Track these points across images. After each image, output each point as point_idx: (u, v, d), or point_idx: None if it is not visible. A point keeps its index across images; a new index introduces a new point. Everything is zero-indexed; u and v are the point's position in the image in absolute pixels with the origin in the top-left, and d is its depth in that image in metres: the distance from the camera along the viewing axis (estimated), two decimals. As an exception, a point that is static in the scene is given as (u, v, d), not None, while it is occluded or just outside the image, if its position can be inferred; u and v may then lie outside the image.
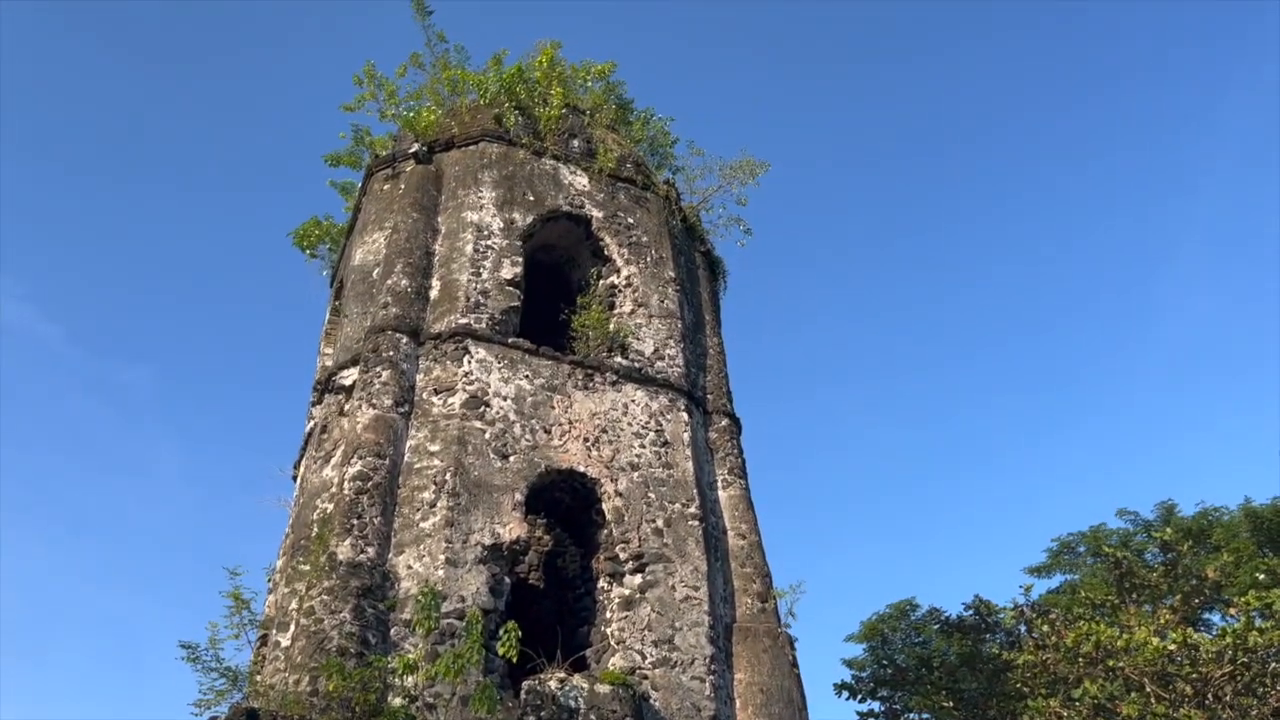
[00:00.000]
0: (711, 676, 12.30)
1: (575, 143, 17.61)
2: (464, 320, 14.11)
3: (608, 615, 12.72)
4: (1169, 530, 20.75)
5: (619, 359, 14.91)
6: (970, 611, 20.92)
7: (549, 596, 14.94)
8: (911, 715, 22.93)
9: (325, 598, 11.00)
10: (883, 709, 22.89)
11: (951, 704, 20.50)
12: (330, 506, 12.30)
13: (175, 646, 11.49)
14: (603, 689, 11.32)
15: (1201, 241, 70.52)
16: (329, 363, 15.73)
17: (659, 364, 15.22)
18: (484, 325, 14.19)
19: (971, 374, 75.90)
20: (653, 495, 13.65)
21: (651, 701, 11.79)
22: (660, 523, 13.42)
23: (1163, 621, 17.97)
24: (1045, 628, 17.60)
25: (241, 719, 9.46)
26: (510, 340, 14.20)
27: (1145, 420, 71.20)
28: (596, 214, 16.74)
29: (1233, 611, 18.04)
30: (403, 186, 16.35)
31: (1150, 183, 72.81)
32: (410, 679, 10.59)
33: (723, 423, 15.59)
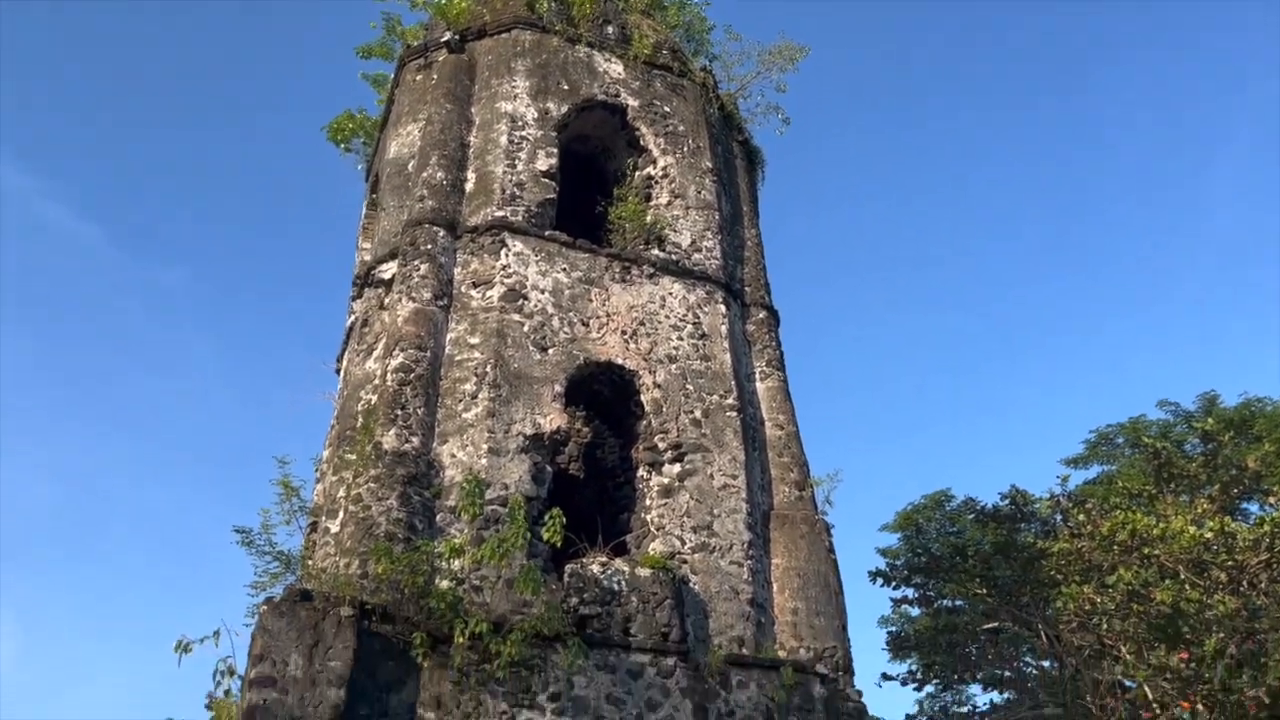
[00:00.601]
0: (749, 561, 12.56)
1: (609, 29, 17.19)
2: (500, 213, 14.06)
3: (647, 503, 12.96)
4: (1210, 421, 20.61)
5: (656, 251, 14.83)
6: (1006, 501, 21.06)
7: (588, 486, 15.24)
8: (945, 601, 23.38)
9: (372, 485, 11.28)
10: (916, 595, 23.33)
11: (985, 591, 20.83)
12: (374, 398, 12.52)
13: (227, 535, 11.89)
14: (644, 572, 11.61)
15: (1252, 131, 68.06)
16: (367, 257, 15.80)
17: (696, 256, 15.13)
18: (520, 218, 14.13)
19: (1012, 262, 74.78)
20: (691, 387, 13.74)
21: (691, 585, 12.08)
22: (698, 414, 13.53)
23: (1200, 511, 18.00)
24: (1081, 517, 17.72)
25: (296, 599, 9.83)
26: (547, 233, 14.15)
27: (1190, 310, 70.07)
28: (632, 103, 16.44)
29: (1272, 500, 18.04)
30: (435, 77, 16.12)
31: (1203, 71, 70.01)
32: (456, 563, 10.92)
33: (760, 315, 15.55)
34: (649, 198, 15.75)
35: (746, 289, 15.77)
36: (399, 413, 11.96)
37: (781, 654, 12.06)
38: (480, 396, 12.46)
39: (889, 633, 24.26)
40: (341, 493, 11.97)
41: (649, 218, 15.20)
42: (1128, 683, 18.84)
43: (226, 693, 11.04)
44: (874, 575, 23.18)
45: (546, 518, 11.00)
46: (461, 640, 10.06)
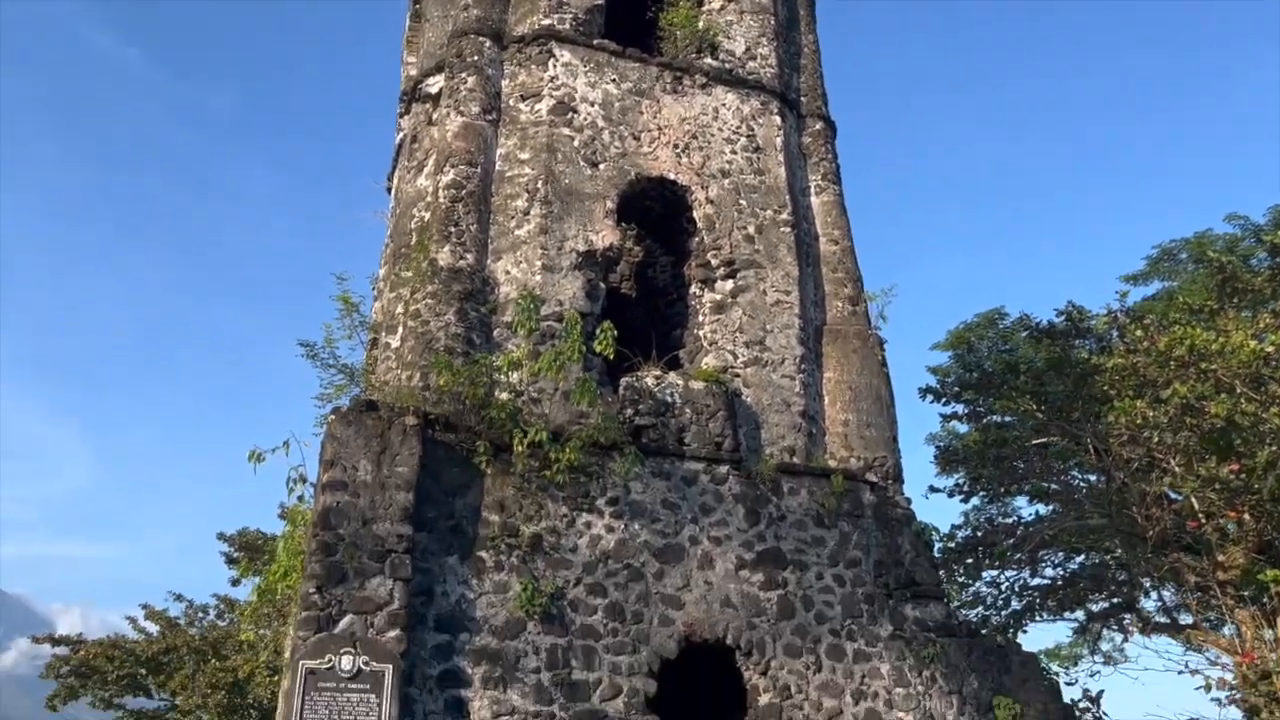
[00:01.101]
0: (801, 375, 12.68)
1: None
2: (547, 21, 13.58)
3: (700, 319, 13.03)
4: (1280, 234, 19.90)
5: (709, 60, 14.32)
6: (1061, 318, 20.81)
7: (641, 305, 15.31)
8: (994, 418, 23.54)
9: (430, 301, 11.45)
10: (966, 411, 23.50)
11: (1035, 407, 20.91)
12: (427, 215, 12.53)
13: (290, 354, 12.22)
14: (697, 385, 11.80)
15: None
16: (413, 71, 15.45)
17: (750, 64, 14.59)
18: (567, 26, 13.65)
19: (1076, 80, 71.27)
20: (744, 202, 13.53)
21: (743, 397, 12.27)
22: (751, 229, 13.38)
23: (1261, 325, 17.64)
24: (1138, 332, 17.47)
25: (363, 409, 10.18)
26: (595, 42, 13.68)
27: (1262, 123, 66.75)
28: (682, -100, 15.49)
29: (1338, 315, 17.61)
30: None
31: None
32: (515, 375, 11.17)
33: (816, 126, 15.09)
34: (701, 2, 15.08)
35: (802, 99, 15.25)
36: (452, 229, 11.99)
37: (832, 464, 12.33)
38: (532, 213, 12.41)
39: (937, 448, 24.56)
40: (399, 309, 12.17)
41: (701, 23, 14.59)
42: (1174, 495, 19.07)
43: (300, 499, 11.60)
44: (924, 392, 23.31)
45: (599, 331, 11.16)
46: (522, 448, 10.41)
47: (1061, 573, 24.99)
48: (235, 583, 26.38)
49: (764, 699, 10.78)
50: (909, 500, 12.46)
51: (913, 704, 11.13)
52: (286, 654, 9.61)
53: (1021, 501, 25.03)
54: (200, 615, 27.15)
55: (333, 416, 10.15)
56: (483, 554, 10.27)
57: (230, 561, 25.59)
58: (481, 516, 10.43)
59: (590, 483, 10.92)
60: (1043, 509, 24.39)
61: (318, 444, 10.72)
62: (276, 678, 20.80)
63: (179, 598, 27.28)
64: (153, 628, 26.52)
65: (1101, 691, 16.37)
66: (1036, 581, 24.98)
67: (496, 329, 11.77)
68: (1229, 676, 18.06)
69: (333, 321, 11.94)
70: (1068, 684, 23.35)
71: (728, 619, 10.89)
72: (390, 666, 9.14)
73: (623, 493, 11.03)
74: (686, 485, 11.36)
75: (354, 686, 8.98)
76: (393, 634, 9.30)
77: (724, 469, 11.55)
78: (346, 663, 9.02)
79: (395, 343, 12.10)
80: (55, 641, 26.12)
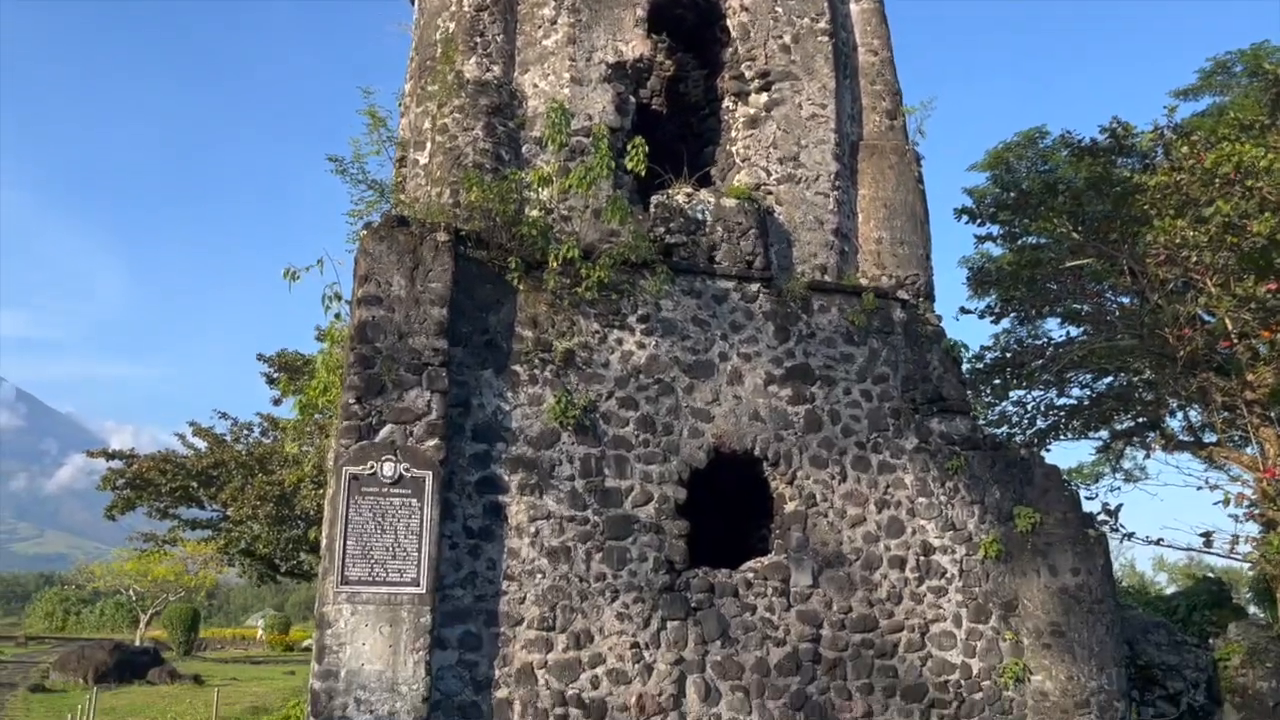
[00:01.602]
0: (835, 192, 12.49)
1: None
2: None
3: (732, 134, 12.76)
4: (1344, 44, 18.90)
5: None
6: (1105, 135, 20.16)
7: (672, 121, 14.95)
8: (1030, 239, 23.22)
9: (457, 115, 11.26)
10: (1001, 232, 23.17)
11: (1072, 227, 20.56)
12: (452, 25, 12.14)
13: (319, 178, 12.13)
14: (729, 202, 11.68)
15: None
16: None
17: None
18: None
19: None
20: (780, 10, 12.98)
21: (775, 215, 12.15)
22: (787, 38, 12.89)
23: (1314, 142, 17.02)
24: (1184, 149, 16.94)
25: (394, 224, 10.20)
26: None
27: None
28: None
29: (1396, 130, 16.94)
30: None
31: None
32: (545, 192, 11.09)
33: (857, -73, 14.25)
34: None
35: (843, -103, 14.34)
36: (478, 40, 11.65)
37: (863, 282, 12.29)
38: (560, 22, 12.00)
39: (970, 270, 24.37)
40: (427, 124, 11.99)
41: None
42: (1207, 317, 18.96)
43: (336, 316, 11.74)
44: (959, 213, 22.96)
45: (629, 147, 10.97)
46: (554, 265, 10.45)
47: (1088, 393, 25.23)
48: (277, 402, 27.17)
49: (790, 506, 11.16)
50: (939, 318, 12.48)
51: (934, 513, 11.49)
52: (330, 462, 10.01)
53: (1052, 324, 25.01)
54: (245, 432, 28.19)
55: (365, 233, 10.19)
56: (517, 368, 10.48)
57: (270, 382, 26.23)
58: (515, 332, 10.59)
59: (621, 300, 10.99)
60: (1073, 331, 24.39)
61: (352, 262, 10.84)
62: (321, 490, 21.71)
63: (224, 415, 28.26)
64: (201, 444, 27.62)
65: (1120, 505, 16.83)
66: (1062, 401, 25.28)
67: (525, 145, 11.61)
68: (1249, 492, 18.46)
69: (360, 137, 11.80)
70: (1088, 498, 24.02)
71: (756, 431, 11.16)
72: (430, 473, 9.52)
73: (653, 310, 11.12)
74: (717, 303, 11.42)
75: (396, 491, 9.39)
76: (431, 443, 9.63)
77: (754, 287, 11.57)
78: (388, 469, 9.40)
79: (424, 159, 11.99)
80: (109, 456, 27.38)
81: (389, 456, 9.44)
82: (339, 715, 8.81)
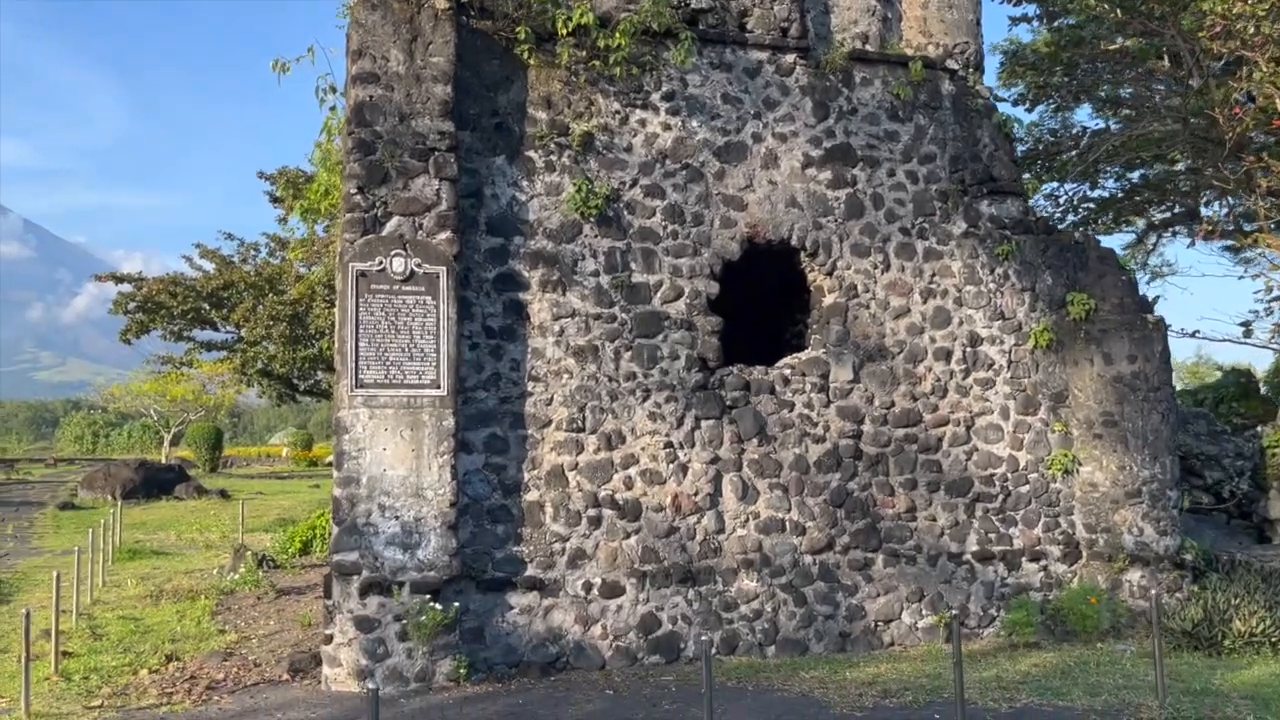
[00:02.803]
0: (878, -51, 11.12)
1: None
2: None
3: (761, -115, 11.27)
4: None
5: None
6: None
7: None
8: (1068, 20, 21.52)
9: None
10: (1038, 12, 21.46)
11: (1114, 4, 18.92)
12: None
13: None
14: (760, -40, 10.36)
15: None
16: None
17: None
18: None
19: None
20: None
21: (812, -24, 10.85)
22: None
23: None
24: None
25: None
26: None
27: None
28: None
29: None
30: None
31: None
32: (554, -48, 9.81)
33: None
34: None
35: None
36: None
37: (908, 51, 11.12)
38: None
39: (1004, 53, 22.74)
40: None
41: None
42: (1255, 99, 17.61)
43: (332, 110, 10.82)
44: (997, -12, 21.14)
45: (650, -104, 9.62)
46: (566, 33, 9.35)
47: (1122, 185, 24.10)
48: (282, 221, 26.34)
49: (829, 299, 10.46)
50: (990, 90, 11.37)
51: (983, 301, 10.78)
52: (336, 260, 9.28)
53: (1082, 115, 23.62)
54: (252, 253, 27.54)
55: (355, 1, 9.05)
56: (531, 154, 9.55)
57: (274, 200, 25.41)
58: (528, 114, 9.59)
59: (643, 76, 9.93)
60: (1110, 123, 23.02)
61: (345, 52, 9.74)
62: (333, 308, 21.17)
63: (230, 236, 27.58)
64: (209, 266, 27.04)
65: (1158, 297, 16.10)
66: (1096, 194, 24.18)
67: (529, -101, 10.23)
68: (1294, 279, 17.67)
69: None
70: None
71: (793, 219, 10.31)
72: (444, 269, 8.77)
73: (679, 86, 10.06)
74: (749, 77, 10.33)
75: (408, 289, 8.67)
76: (443, 235, 8.84)
77: (790, 58, 10.45)
78: (398, 265, 8.64)
79: (415, -79, 10.62)
80: (118, 280, 26.83)
81: (398, 251, 8.67)
82: (363, 522, 8.42)
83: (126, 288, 26.71)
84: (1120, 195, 24.15)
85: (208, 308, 26.81)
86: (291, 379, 28.17)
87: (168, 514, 24.59)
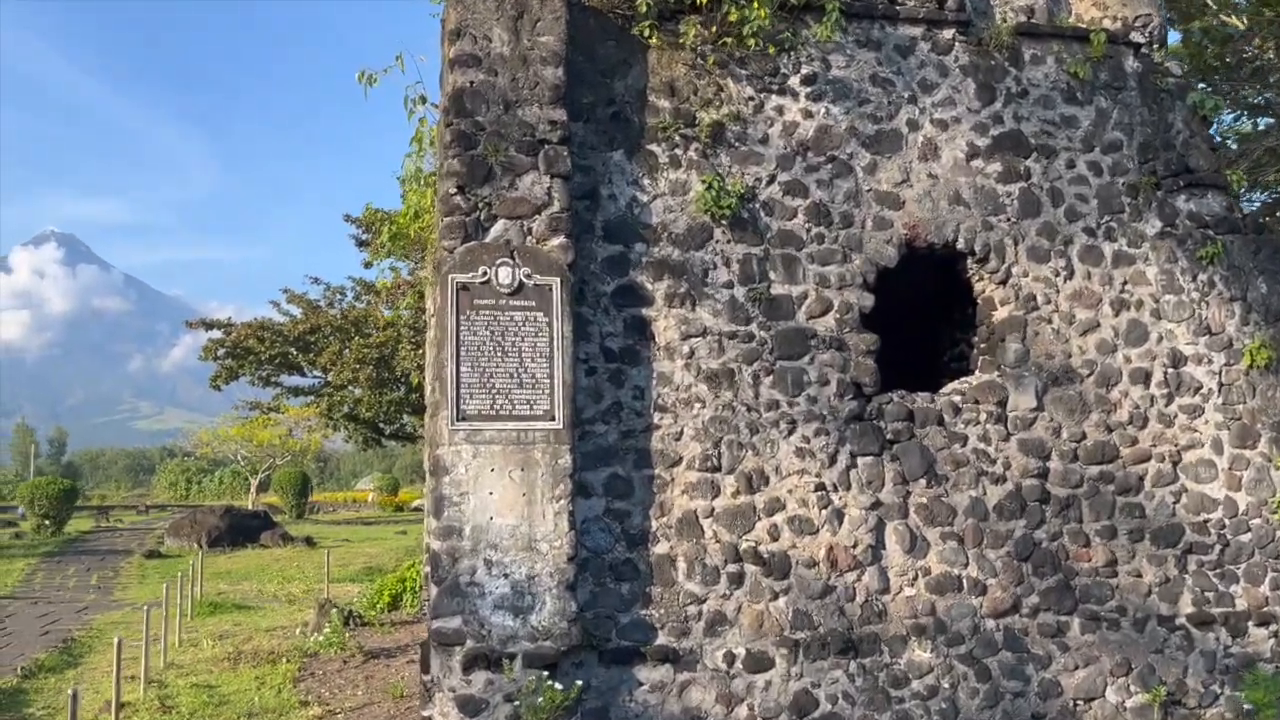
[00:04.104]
0: (1042, -90, 9.61)
1: None
2: None
3: None
4: None
5: None
6: None
7: None
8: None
9: None
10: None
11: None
12: None
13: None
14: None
15: None
16: None
17: None
18: None
19: None
20: None
21: (968, -58, 9.39)
22: None
23: None
24: None
25: (489, -39, 7.81)
26: None
27: None
28: None
29: None
30: None
31: None
32: (675, -81, 8.53)
33: None
34: None
35: None
36: None
37: (1080, 25, 9.56)
38: None
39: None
40: None
41: None
42: None
43: (421, 121, 9.72)
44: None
45: None
46: (693, 4, 8.03)
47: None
48: (368, 265, 26.11)
49: (1002, 312, 8.86)
50: (1182, 66, 9.72)
51: (1185, 313, 9.05)
52: (430, 270, 8.05)
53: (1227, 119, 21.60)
54: (338, 297, 27.30)
55: (451, -24, 7.87)
56: (654, 148, 8.22)
57: (360, 244, 25.09)
58: (648, 102, 8.27)
59: (780, 57, 8.55)
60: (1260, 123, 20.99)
61: (436, 62, 8.64)
62: (419, 349, 20.32)
63: (316, 281, 27.40)
64: (296, 311, 26.79)
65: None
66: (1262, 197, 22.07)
67: None
68: None
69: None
70: None
71: (958, 218, 8.77)
72: (557, 280, 7.44)
73: (821, 68, 8.66)
74: (901, 56, 8.88)
75: (516, 304, 7.35)
76: (556, 241, 7.52)
77: (948, 34, 8.98)
78: (504, 275, 7.34)
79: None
80: (207, 326, 26.75)
81: (504, 259, 7.37)
82: (466, 581, 7.04)
83: (216, 334, 26.59)
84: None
85: (295, 352, 26.54)
86: (377, 423, 27.85)
87: (252, 562, 23.73)
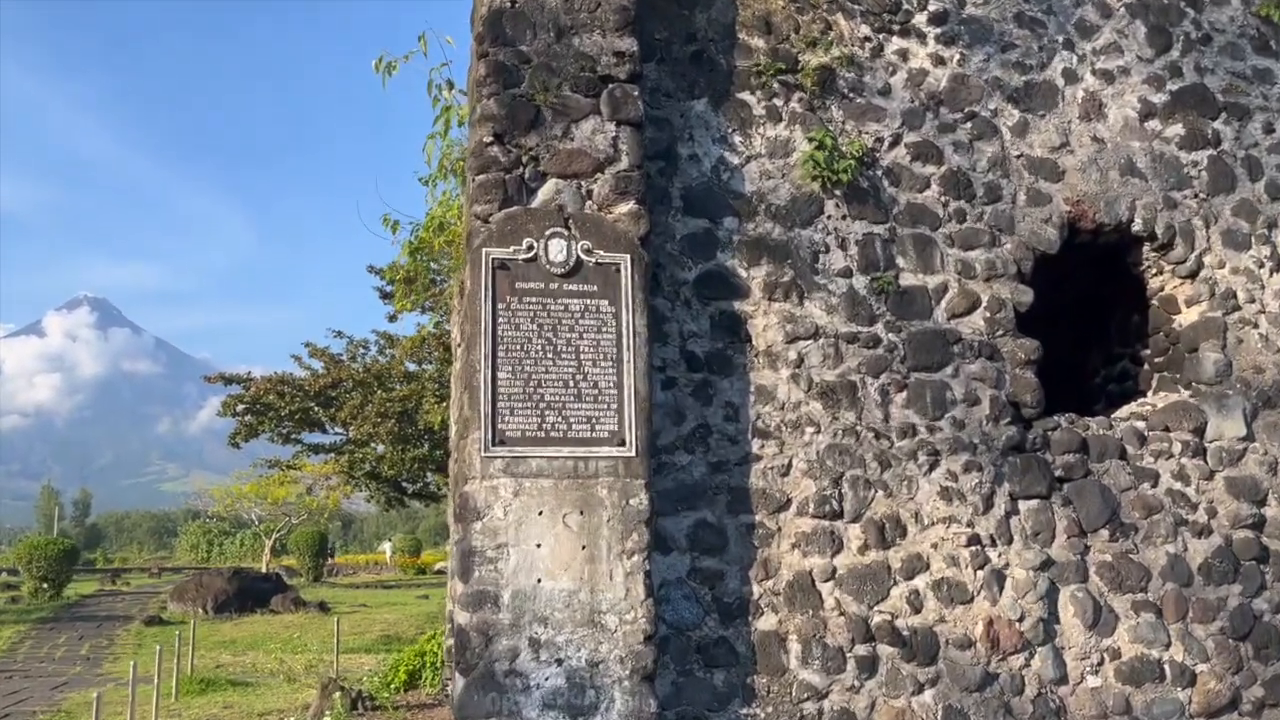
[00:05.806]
0: None
1: None
2: None
3: None
4: None
5: None
6: None
7: None
8: None
9: None
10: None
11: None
12: None
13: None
14: None
15: None
16: None
17: None
18: None
19: None
20: None
21: None
22: None
23: None
24: None
25: None
26: None
27: None
28: None
29: None
30: None
31: None
32: None
33: None
34: None
35: None
36: None
37: None
38: None
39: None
40: None
41: None
42: None
43: (446, 109, 8.09)
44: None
45: None
46: (804, -92, 6.25)
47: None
48: (392, 318, 24.93)
49: (1192, 313, 6.88)
50: (1396, 13, 7.80)
51: None
52: (462, 244, 6.21)
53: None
54: (361, 350, 26.03)
55: None
56: (746, 97, 6.37)
57: (384, 296, 23.77)
58: (738, 41, 6.45)
59: (900, -9, 6.74)
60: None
61: (467, 42, 6.95)
62: (443, 403, 18.67)
63: (339, 334, 26.10)
64: (317, 365, 25.51)
65: None
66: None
67: None
68: None
69: None
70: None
71: (1133, 193, 6.84)
72: (627, 257, 5.53)
73: (953, 5, 6.83)
74: (1050, -8, 7.05)
75: (572, 288, 5.44)
76: (625, 208, 5.63)
77: (1107, -34, 7.14)
78: (556, 250, 5.44)
79: None
80: (226, 380, 25.44)
81: (556, 229, 5.48)
82: (504, 669, 5.02)
83: (236, 389, 25.23)
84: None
85: (316, 408, 25.13)
86: (400, 481, 26.41)
87: (260, 630, 21.70)
